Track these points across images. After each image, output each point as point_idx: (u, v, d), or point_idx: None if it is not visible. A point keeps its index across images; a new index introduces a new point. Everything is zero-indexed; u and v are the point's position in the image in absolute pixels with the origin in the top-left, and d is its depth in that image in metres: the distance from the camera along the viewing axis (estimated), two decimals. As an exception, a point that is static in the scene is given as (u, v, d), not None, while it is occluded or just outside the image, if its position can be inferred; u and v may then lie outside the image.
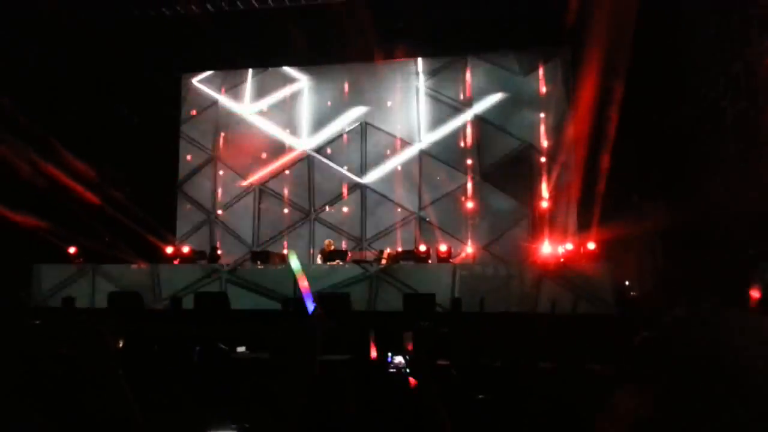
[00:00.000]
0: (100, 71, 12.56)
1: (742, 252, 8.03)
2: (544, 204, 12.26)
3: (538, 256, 11.24)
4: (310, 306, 2.51)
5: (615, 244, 11.08)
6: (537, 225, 12.15)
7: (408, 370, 3.48)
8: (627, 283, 10.14)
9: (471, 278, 9.60)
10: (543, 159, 12.46)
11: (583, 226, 11.56)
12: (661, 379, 2.02)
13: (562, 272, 9.30)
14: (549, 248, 11.17)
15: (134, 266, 10.94)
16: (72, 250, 11.16)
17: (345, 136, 13.47)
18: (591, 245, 10.09)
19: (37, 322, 7.80)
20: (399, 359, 3.88)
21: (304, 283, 2.37)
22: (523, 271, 9.53)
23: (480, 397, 3.40)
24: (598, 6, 9.92)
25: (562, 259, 10.28)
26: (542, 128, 12.59)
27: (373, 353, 4.04)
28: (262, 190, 13.63)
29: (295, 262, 2.66)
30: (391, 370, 3.85)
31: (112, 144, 12.61)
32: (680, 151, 10.44)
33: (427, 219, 12.64)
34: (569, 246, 10.48)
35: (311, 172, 13.42)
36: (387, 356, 4.06)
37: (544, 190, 12.31)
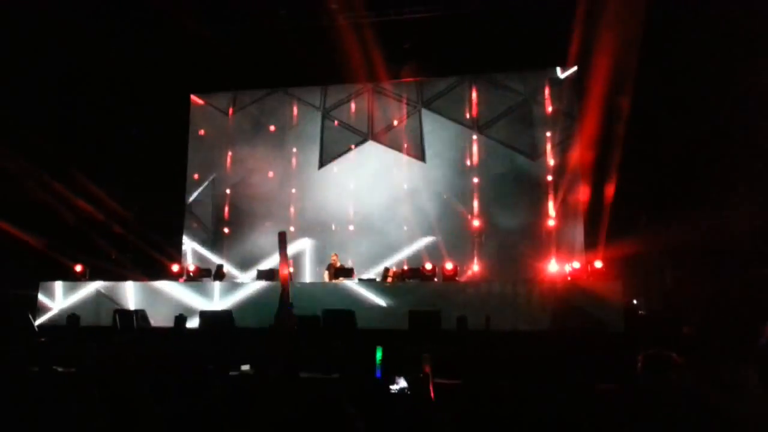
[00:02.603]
0: (109, 90, 12.70)
1: (752, 270, 7.96)
2: (551, 222, 12.22)
3: (545, 275, 11.19)
4: (286, 302, 2.49)
5: (622, 262, 11.03)
6: (544, 243, 12.09)
7: (410, 392, 3.45)
8: (635, 302, 10.05)
9: (477, 296, 9.54)
10: (549, 177, 12.44)
11: (590, 245, 11.51)
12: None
13: (569, 291, 9.23)
14: (556, 266, 11.12)
15: (140, 284, 10.97)
16: (78, 268, 11.21)
17: (351, 154, 13.51)
18: (598, 264, 10.03)
19: (43, 339, 7.82)
20: (401, 381, 3.84)
21: (284, 272, 2.35)
22: (530, 289, 9.44)
23: (488, 415, 3.36)
24: (603, 25, 9.98)
25: (569, 278, 10.22)
26: (548, 147, 12.59)
27: (379, 372, 4.01)
28: (268, 208, 13.64)
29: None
30: (393, 390, 3.81)
31: (119, 162, 12.70)
32: (688, 169, 10.40)
33: (434, 238, 12.59)
34: (576, 264, 10.40)
35: (317, 190, 13.43)
36: (392, 375, 4.02)
37: (551, 209, 12.27)
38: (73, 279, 11.06)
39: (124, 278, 11.42)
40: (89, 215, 12.04)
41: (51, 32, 11.50)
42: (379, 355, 3.93)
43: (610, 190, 11.25)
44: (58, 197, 11.57)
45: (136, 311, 9.59)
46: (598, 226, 11.22)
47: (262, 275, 11.04)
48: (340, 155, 13.54)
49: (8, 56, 11.01)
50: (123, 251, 12.20)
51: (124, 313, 9.54)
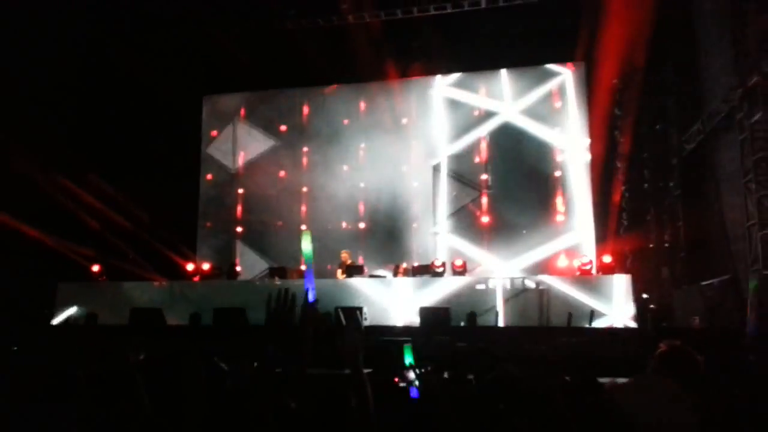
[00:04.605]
0: (123, 91, 12.88)
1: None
2: (560, 218, 12.23)
3: (554, 269, 11.23)
4: (311, 295, 2.49)
5: (632, 256, 11.05)
6: (553, 238, 12.12)
7: (418, 385, 3.53)
8: (645, 296, 10.07)
9: (487, 292, 9.62)
10: (558, 173, 12.45)
11: (600, 239, 11.54)
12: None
13: (578, 285, 9.28)
14: (565, 261, 11.16)
15: (156, 283, 11.15)
16: (95, 268, 11.41)
17: (361, 153, 13.60)
18: (607, 258, 10.06)
19: (61, 338, 8.01)
20: (410, 374, 3.91)
21: (308, 270, 2.40)
22: (539, 284, 9.51)
23: (498, 408, 3.42)
24: (611, 19, 9.98)
25: (578, 272, 10.26)
26: (557, 142, 12.59)
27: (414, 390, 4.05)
28: (279, 207, 13.77)
29: (306, 245, 2.67)
30: (402, 384, 3.89)
31: (134, 163, 12.88)
32: (697, 164, 10.40)
33: (442, 233, 12.67)
34: (585, 259, 10.44)
35: (328, 189, 13.51)
36: (402, 370, 4.09)
37: (560, 204, 12.29)
38: (90, 279, 11.27)
39: (140, 277, 11.62)
40: (106, 216, 12.24)
41: (64, 35, 11.69)
42: (408, 355, 3.53)
43: (618, 184, 11.27)
44: (74, 198, 11.77)
45: (152, 309, 9.76)
46: (607, 221, 11.25)
47: (274, 272, 11.18)
48: (350, 153, 13.62)
49: (25, 63, 11.20)
50: (139, 251, 12.39)
51: (141, 312, 9.71)
